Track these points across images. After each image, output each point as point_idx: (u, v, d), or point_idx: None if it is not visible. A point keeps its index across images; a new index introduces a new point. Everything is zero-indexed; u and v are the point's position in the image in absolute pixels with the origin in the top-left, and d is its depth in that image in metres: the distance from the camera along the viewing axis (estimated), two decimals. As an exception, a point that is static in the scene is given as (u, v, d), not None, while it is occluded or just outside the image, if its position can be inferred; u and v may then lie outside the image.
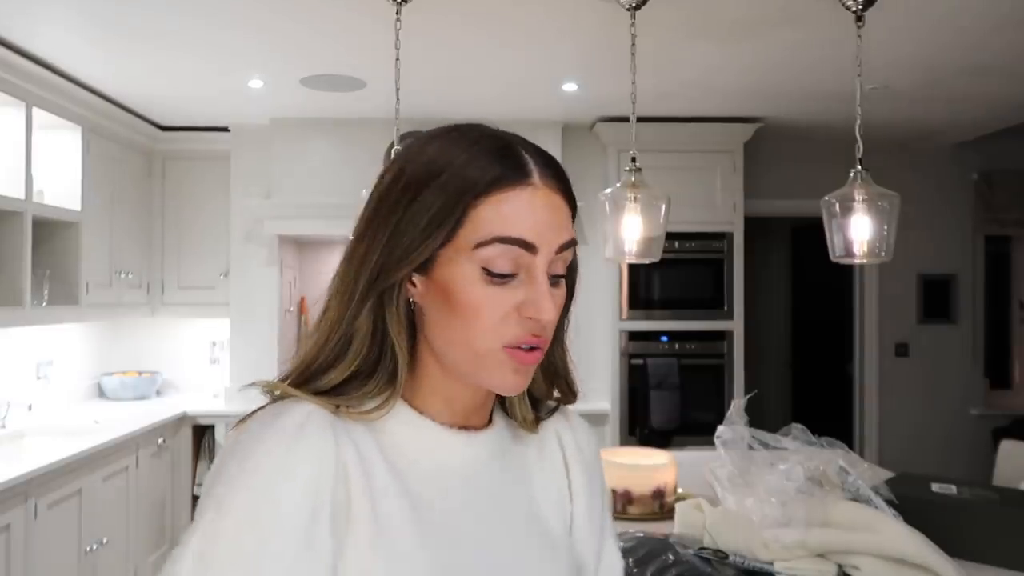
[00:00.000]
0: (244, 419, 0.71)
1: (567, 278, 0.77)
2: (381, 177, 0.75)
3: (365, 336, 0.72)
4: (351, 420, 0.71)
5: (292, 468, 0.65)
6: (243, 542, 0.63)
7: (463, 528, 0.73)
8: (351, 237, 0.77)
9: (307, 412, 0.69)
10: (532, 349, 0.71)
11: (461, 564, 0.71)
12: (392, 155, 2.44)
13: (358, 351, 0.72)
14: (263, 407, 0.72)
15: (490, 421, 0.80)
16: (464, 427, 0.76)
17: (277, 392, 0.73)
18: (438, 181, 0.71)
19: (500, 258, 0.69)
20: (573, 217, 0.75)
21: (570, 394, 0.83)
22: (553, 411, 0.85)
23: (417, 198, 0.71)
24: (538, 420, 0.82)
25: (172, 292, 4.37)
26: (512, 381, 0.72)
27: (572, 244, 0.74)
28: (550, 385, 0.81)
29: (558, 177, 0.74)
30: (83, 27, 2.85)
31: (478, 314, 0.70)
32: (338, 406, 0.70)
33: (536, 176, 0.72)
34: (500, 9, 2.66)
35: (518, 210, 0.70)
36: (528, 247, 0.70)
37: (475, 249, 0.69)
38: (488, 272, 0.70)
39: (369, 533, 0.67)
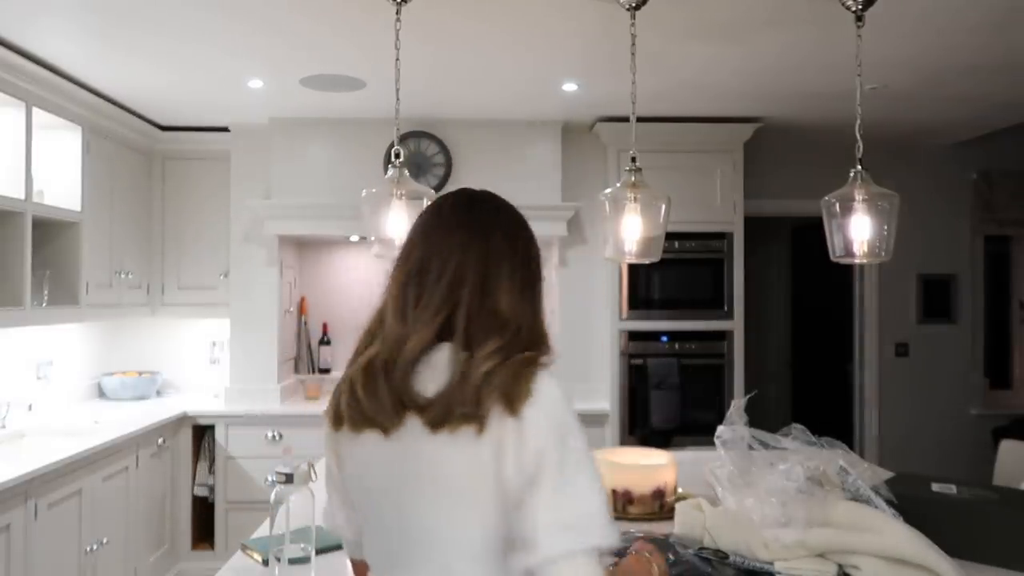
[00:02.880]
0: (531, 362, 1.05)
1: None
2: (527, 234, 1.20)
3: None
4: None
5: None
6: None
7: None
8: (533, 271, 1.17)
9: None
10: None
11: None
12: (393, 156, 2.44)
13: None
14: (527, 361, 1.05)
15: None
16: None
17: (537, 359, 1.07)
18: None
19: None
20: None
21: None
22: None
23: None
24: None
25: (172, 292, 4.37)
26: None
27: None
28: None
29: None
30: (83, 27, 2.85)
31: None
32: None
33: None
34: (500, 9, 2.66)
35: None
36: None
37: None
38: None
39: None
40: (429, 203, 1.26)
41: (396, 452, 1.06)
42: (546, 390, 1.01)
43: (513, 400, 0.99)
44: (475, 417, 0.99)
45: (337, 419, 1.13)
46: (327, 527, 1.26)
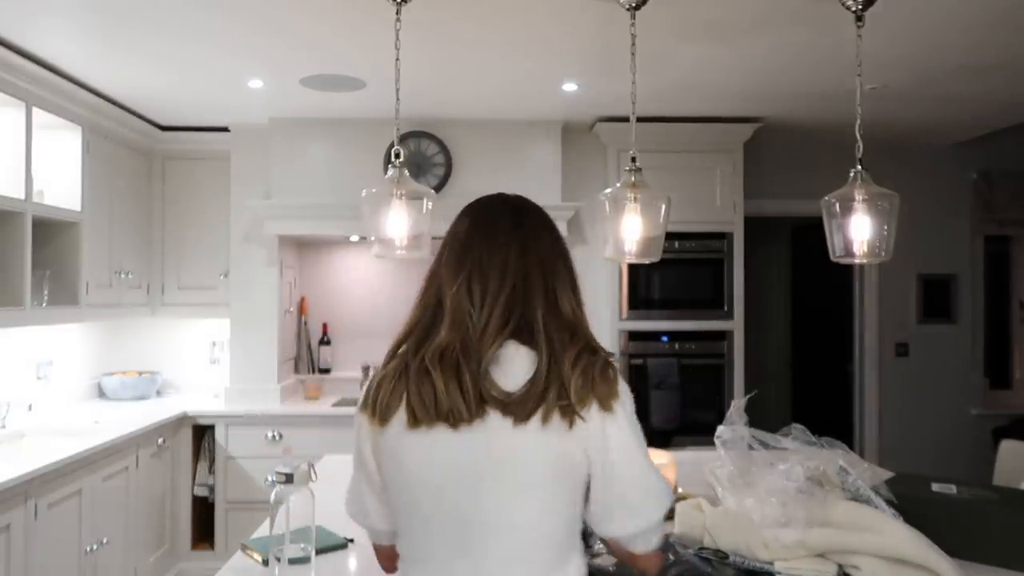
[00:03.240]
0: (609, 364, 1.17)
1: None
2: (562, 237, 1.29)
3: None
4: None
5: None
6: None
7: None
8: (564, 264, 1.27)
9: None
10: None
11: None
12: (393, 156, 2.44)
13: None
14: (607, 363, 1.17)
15: None
16: None
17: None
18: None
19: None
20: None
21: None
22: None
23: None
24: None
25: (172, 292, 4.37)
26: None
27: None
28: None
29: None
30: (83, 27, 2.85)
31: None
32: None
33: None
34: (500, 9, 2.66)
35: None
36: None
37: None
38: None
39: None
40: (467, 205, 1.29)
41: (470, 444, 1.10)
42: (625, 389, 1.17)
43: (606, 399, 1.12)
44: (571, 412, 1.09)
45: (385, 414, 1.15)
46: (351, 515, 1.30)
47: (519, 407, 1.09)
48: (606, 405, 1.12)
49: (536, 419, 1.08)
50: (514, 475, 1.10)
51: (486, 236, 1.20)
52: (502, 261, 1.17)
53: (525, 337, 1.14)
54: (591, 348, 1.17)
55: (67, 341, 4.04)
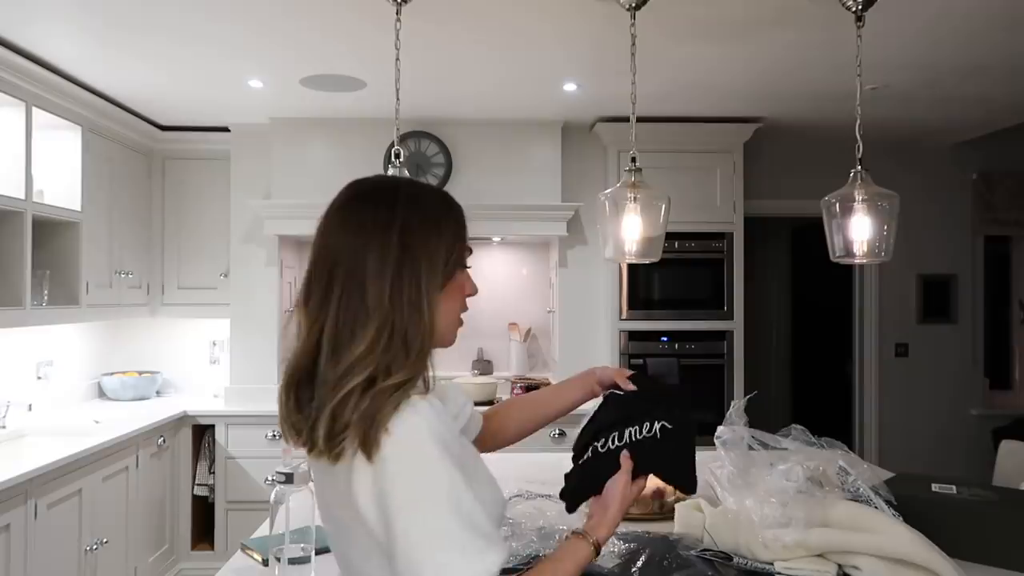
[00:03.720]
0: (380, 426, 0.95)
1: None
2: (387, 233, 1.03)
3: (415, 330, 1.01)
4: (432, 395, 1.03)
5: (440, 431, 0.97)
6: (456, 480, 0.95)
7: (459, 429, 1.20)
8: (378, 276, 1.01)
9: (427, 400, 0.99)
10: None
11: (476, 451, 1.18)
12: (394, 156, 2.45)
13: (416, 343, 1.01)
14: (387, 407, 0.95)
15: None
16: None
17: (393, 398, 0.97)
18: (453, 218, 1.09)
19: (468, 256, 1.10)
20: None
21: None
22: None
23: (441, 233, 1.06)
24: None
25: (172, 292, 4.37)
26: (455, 338, 1.12)
27: None
28: None
29: None
30: (83, 28, 2.85)
31: (461, 295, 1.10)
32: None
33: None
34: (500, 9, 2.66)
35: (467, 229, 1.11)
36: (471, 251, 1.12)
37: (464, 252, 1.10)
38: (465, 267, 1.10)
39: (470, 459, 1.06)
40: None
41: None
42: (404, 427, 0.94)
43: (367, 442, 0.94)
44: (330, 453, 0.96)
45: None
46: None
47: (304, 439, 1.05)
48: (367, 449, 0.96)
49: (314, 454, 1.01)
50: (323, 512, 1.11)
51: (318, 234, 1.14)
52: (316, 258, 1.12)
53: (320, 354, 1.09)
54: (385, 360, 1.01)
55: (67, 341, 4.04)
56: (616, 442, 1.23)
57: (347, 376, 0.96)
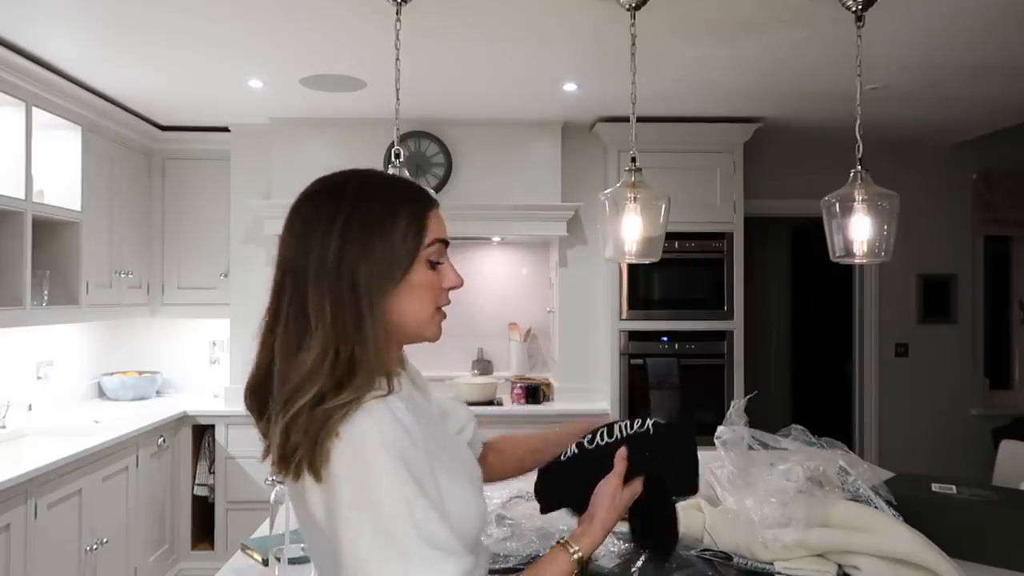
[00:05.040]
0: (325, 442, 0.91)
1: None
2: (327, 236, 0.99)
3: (362, 341, 0.96)
4: (395, 396, 0.97)
5: (405, 427, 0.94)
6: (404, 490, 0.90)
7: (450, 439, 1.12)
8: (316, 282, 0.97)
9: (384, 402, 0.95)
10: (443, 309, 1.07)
11: (464, 463, 1.09)
12: (394, 156, 2.45)
13: (365, 354, 0.95)
14: (335, 418, 0.91)
15: None
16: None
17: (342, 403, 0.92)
18: (403, 220, 1.01)
19: (435, 252, 1.03)
20: None
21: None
22: None
23: (387, 232, 0.99)
24: None
25: (172, 292, 4.37)
26: (438, 332, 1.07)
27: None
28: None
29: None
30: (83, 27, 2.85)
31: (426, 292, 1.03)
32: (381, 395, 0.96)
33: (435, 199, 1.08)
34: (500, 9, 2.66)
35: (438, 220, 1.05)
36: (446, 243, 1.06)
37: (424, 250, 1.02)
38: (429, 263, 1.03)
39: (440, 465, 0.98)
40: None
41: None
42: (353, 431, 0.91)
43: (314, 462, 0.91)
44: (287, 472, 0.94)
45: None
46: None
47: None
48: (314, 469, 0.93)
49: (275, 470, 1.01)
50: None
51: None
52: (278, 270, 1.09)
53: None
54: (335, 375, 0.97)
55: (67, 341, 4.04)
56: (606, 438, 1.12)
57: (295, 395, 0.92)
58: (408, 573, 0.88)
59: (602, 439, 1.12)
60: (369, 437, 0.91)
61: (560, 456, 1.15)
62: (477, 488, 1.06)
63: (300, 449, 0.91)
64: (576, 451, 1.14)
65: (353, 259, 0.96)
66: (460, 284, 1.07)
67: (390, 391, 0.96)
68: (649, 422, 1.12)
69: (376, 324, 0.96)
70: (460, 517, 0.97)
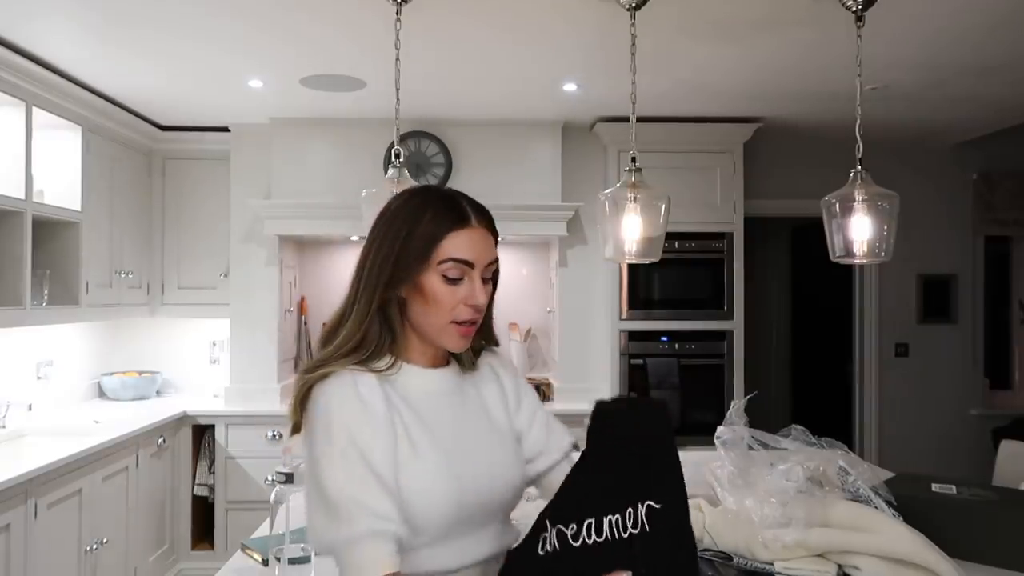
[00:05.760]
0: (305, 390, 1.12)
1: (493, 280, 1.21)
2: (375, 230, 1.18)
3: (378, 325, 1.16)
4: (375, 376, 1.13)
5: (364, 398, 1.09)
6: (349, 452, 1.05)
7: (452, 430, 1.17)
8: (359, 261, 1.19)
9: (353, 375, 1.12)
10: (471, 324, 1.17)
11: (456, 452, 1.14)
12: (394, 156, 2.45)
13: (375, 334, 1.15)
14: (312, 382, 1.11)
15: (448, 363, 1.25)
16: (435, 367, 1.22)
17: (325, 369, 1.12)
18: (419, 230, 1.13)
19: (452, 270, 1.14)
20: (496, 242, 1.20)
21: (492, 342, 1.30)
22: (480, 351, 1.29)
23: (409, 240, 1.13)
24: (474, 359, 1.28)
25: (172, 292, 4.37)
26: (457, 343, 1.18)
27: (496, 261, 1.20)
28: (480, 338, 1.26)
29: (487, 218, 1.19)
30: (83, 27, 2.85)
31: (438, 303, 1.14)
32: (373, 370, 1.14)
33: (473, 220, 1.16)
34: (500, 9, 2.66)
35: (462, 242, 1.14)
36: (468, 264, 1.14)
37: (438, 265, 1.14)
38: (445, 278, 1.14)
39: (407, 445, 1.10)
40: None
41: None
42: (321, 393, 1.10)
43: (294, 419, 1.14)
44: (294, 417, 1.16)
45: None
46: None
47: None
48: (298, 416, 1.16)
49: None
50: None
51: None
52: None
53: None
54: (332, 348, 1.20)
55: (67, 341, 4.04)
56: (594, 536, 0.97)
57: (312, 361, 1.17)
58: (331, 524, 1.02)
59: (590, 536, 0.98)
60: (332, 398, 1.09)
61: (537, 546, 1.00)
62: (447, 476, 1.11)
63: (293, 401, 1.14)
64: (558, 546, 0.99)
65: (373, 263, 1.15)
66: (471, 303, 1.15)
67: (370, 369, 1.13)
68: (642, 511, 0.98)
69: (367, 322, 1.15)
70: (414, 493, 1.07)
